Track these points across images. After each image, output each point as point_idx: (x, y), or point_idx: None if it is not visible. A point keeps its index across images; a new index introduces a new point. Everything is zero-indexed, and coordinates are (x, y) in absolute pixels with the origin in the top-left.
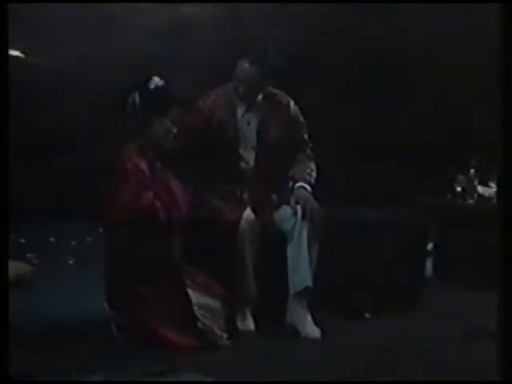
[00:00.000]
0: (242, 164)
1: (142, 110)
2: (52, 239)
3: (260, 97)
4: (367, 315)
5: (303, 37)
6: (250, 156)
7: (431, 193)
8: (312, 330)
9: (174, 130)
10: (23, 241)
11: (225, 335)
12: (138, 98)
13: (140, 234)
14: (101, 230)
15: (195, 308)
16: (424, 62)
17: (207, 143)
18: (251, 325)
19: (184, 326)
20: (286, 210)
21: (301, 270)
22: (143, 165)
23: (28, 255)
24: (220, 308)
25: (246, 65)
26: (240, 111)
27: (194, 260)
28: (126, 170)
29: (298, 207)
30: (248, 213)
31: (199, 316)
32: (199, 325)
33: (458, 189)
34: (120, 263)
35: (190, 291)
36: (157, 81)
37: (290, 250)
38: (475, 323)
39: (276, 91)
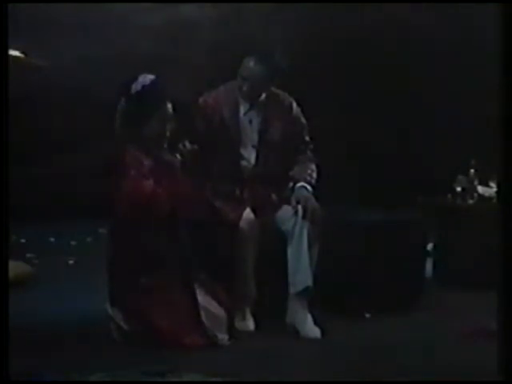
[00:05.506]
0: (243, 163)
1: (130, 112)
2: (52, 239)
3: (263, 96)
4: (367, 315)
5: (303, 37)
6: (250, 155)
7: (431, 193)
8: (312, 329)
9: (170, 126)
10: (23, 241)
11: (226, 336)
12: (123, 103)
13: (145, 227)
14: (101, 230)
15: (199, 307)
16: (424, 62)
17: (208, 140)
18: (251, 325)
19: (187, 324)
20: (286, 209)
21: (301, 270)
22: (142, 157)
23: (28, 255)
24: (222, 310)
25: (252, 63)
26: (242, 109)
27: (193, 260)
28: (125, 162)
29: (299, 207)
30: (248, 213)
31: (202, 315)
32: (202, 324)
33: (458, 189)
34: (124, 259)
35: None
36: (140, 82)
37: (290, 250)
38: (475, 323)
39: (279, 92)
